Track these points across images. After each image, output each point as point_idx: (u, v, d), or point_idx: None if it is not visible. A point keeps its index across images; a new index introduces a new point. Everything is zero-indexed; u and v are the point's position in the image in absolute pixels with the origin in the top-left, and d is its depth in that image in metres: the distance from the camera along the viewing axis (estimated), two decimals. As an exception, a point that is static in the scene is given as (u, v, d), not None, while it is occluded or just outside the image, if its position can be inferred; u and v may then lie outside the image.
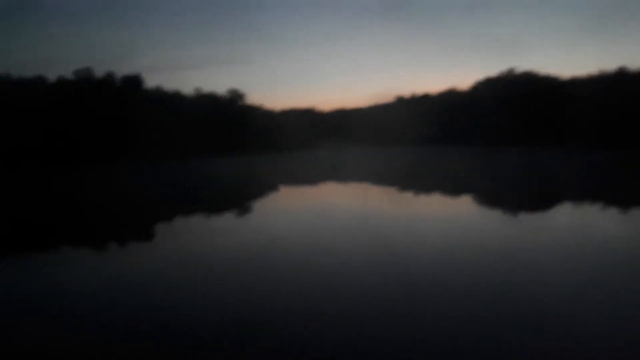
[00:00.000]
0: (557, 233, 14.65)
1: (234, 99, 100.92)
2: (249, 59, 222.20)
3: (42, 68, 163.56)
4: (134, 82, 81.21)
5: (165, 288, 9.92)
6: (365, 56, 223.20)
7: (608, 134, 68.67)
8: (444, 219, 17.80)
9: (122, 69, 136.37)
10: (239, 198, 26.93)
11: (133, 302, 8.99)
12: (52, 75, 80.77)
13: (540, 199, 23.42)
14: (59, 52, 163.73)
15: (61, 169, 58.34)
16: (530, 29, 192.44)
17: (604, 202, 21.73)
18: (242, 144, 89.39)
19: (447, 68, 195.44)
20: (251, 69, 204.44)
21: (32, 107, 62.35)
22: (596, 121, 71.59)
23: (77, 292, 9.68)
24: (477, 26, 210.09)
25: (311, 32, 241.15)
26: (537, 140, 78.81)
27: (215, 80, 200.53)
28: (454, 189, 28.37)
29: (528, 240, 13.61)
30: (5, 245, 15.65)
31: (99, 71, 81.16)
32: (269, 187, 33.22)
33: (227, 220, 19.20)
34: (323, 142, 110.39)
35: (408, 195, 26.36)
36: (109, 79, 77.94)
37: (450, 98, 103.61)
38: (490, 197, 24.96)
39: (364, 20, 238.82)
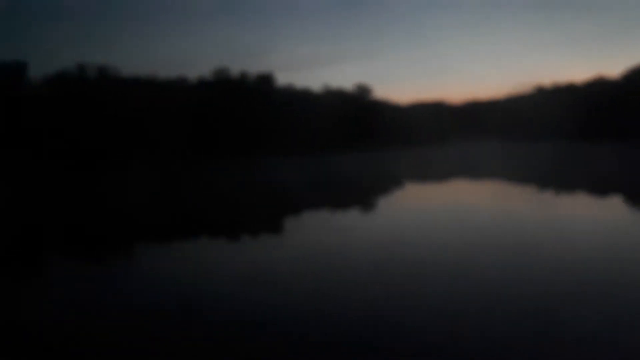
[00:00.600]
0: None
1: (361, 93, 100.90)
2: (375, 53, 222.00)
3: (182, 68, 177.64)
4: (266, 80, 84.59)
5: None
6: (500, 43, 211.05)
7: None
8: (585, 223, 15.99)
9: (255, 68, 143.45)
10: (370, 196, 26.26)
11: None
12: (192, 75, 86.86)
13: None
14: (195, 52, 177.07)
15: (204, 162, 62.44)
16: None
17: None
18: (370, 139, 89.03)
19: (594, 54, 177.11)
20: (378, 63, 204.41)
21: (178, 106, 67.65)
22: None
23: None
24: (627, 6, 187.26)
25: (438, 22, 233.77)
26: None
27: (343, 76, 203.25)
28: (597, 190, 25.43)
29: None
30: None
31: (234, 70, 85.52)
32: (396, 183, 32.27)
33: (368, 219, 18.66)
34: (453, 135, 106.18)
35: (544, 196, 24.00)
36: (243, 77, 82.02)
37: (599, 88, 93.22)
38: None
39: (496, 6, 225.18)
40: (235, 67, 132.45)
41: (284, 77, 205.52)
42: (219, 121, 71.21)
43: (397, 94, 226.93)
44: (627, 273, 9.99)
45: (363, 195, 26.89)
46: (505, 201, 22.56)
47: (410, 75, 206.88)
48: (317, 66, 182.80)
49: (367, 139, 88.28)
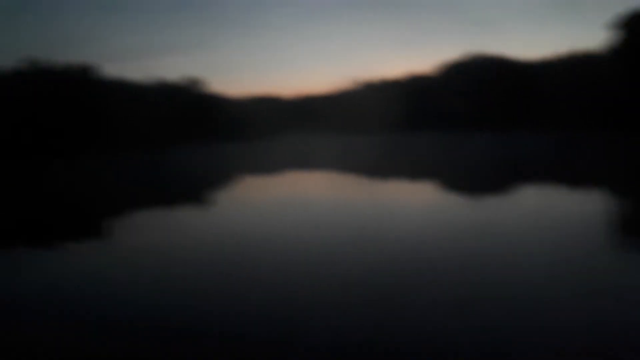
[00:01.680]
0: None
1: (194, 86, 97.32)
2: (209, 45, 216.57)
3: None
4: (87, 71, 76.47)
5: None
6: (328, 40, 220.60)
7: (573, 115, 69.22)
8: (412, 205, 17.49)
9: (77, 58, 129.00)
10: (203, 190, 24.83)
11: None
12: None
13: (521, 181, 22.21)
14: (6, 43, 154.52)
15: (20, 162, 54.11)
16: (494, 11, 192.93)
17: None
18: (205, 134, 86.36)
19: (411, 51, 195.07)
20: (211, 56, 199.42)
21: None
22: (562, 103, 72.07)
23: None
24: (440, 8, 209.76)
25: (274, 15, 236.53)
26: (506, 123, 78.89)
27: (175, 68, 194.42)
28: (421, 175, 27.66)
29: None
30: None
31: (52, 61, 74.84)
32: (231, 177, 31.33)
33: (195, 215, 17.14)
34: (287, 129, 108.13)
35: (374, 183, 25.48)
36: (59, 68, 73.04)
37: (416, 82, 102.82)
38: (455, 181, 24.32)
39: (326, 3, 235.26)
40: (56, 58, 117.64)
41: (113, 69, 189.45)
42: (28, 118, 62.49)
43: (232, 88, 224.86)
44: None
45: (198, 191, 25.22)
46: (338, 190, 23.19)
47: (245, 69, 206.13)
48: (147, 57, 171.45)
49: (201, 134, 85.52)
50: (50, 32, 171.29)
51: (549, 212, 14.98)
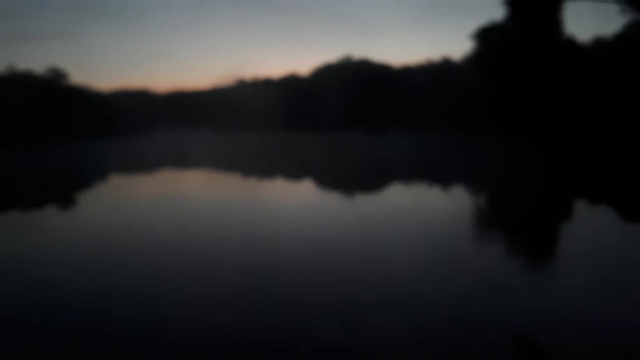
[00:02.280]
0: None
1: (55, 78, 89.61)
2: (75, 33, 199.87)
3: None
4: None
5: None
6: (207, 36, 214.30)
7: (436, 118, 75.20)
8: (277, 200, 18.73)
9: None
10: (71, 190, 23.34)
11: None
12: None
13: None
14: None
15: None
16: (373, 17, 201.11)
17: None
18: (71, 130, 79.89)
19: (290, 52, 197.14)
20: (77, 45, 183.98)
21: None
22: (426, 106, 77.92)
23: None
24: (322, 11, 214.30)
25: (147, 8, 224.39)
26: (377, 124, 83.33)
27: (31, 57, 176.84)
28: (293, 174, 28.85)
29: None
30: None
31: None
32: (101, 176, 29.79)
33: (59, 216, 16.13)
34: (162, 125, 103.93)
35: (245, 181, 26.49)
36: None
37: (293, 83, 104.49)
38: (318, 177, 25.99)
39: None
40: None
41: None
42: None
43: (101, 81, 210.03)
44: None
45: (66, 191, 23.61)
46: (211, 189, 23.42)
47: (116, 61, 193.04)
48: (5, 44, 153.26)
49: (68, 130, 79.07)
50: None
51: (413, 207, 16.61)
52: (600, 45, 66.40)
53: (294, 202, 18.41)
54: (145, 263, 10.01)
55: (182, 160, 40.70)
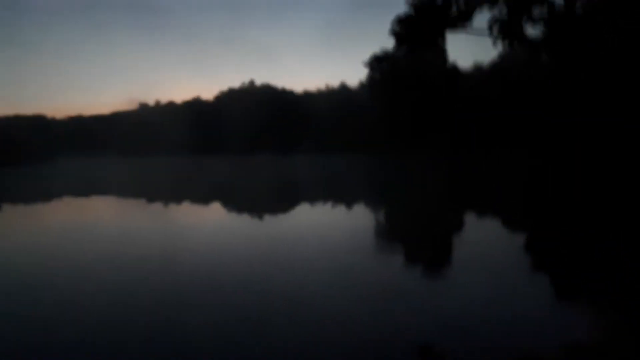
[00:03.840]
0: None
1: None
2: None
3: None
4: None
5: None
6: (104, 60, 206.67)
7: (337, 140, 79.35)
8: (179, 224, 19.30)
9: None
10: None
11: None
12: None
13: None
14: None
15: None
16: (272, 42, 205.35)
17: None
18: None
19: (192, 77, 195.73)
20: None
21: None
22: (327, 129, 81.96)
23: None
24: (227, 39, 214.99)
25: (41, 29, 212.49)
26: (281, 146, 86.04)
27: None
28: (197, 196, 29.65)
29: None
30: None
31: None
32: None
33: None
34: (60, 153, 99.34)
35: (148, 206, 26.50)
36: None
37: (197, 106, 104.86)
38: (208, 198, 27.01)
39: (104, 18, 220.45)
40: None
41: None
42: None
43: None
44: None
45: None
46: (113, 214, 23.96)
47: (4, 84, 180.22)
48: None
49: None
50: None
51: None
52: (479, 71, 74.30)
53: (201, 223, 19.71)
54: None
55: (86, 188, 40.19)
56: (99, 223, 20.45)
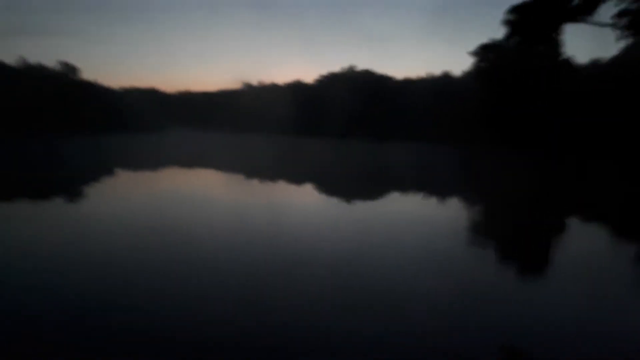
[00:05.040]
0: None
1: (65, 72, 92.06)
2: (83, 29, 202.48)
3: None
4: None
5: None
6: (213, 40, 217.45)
7: (435, 130, 77.85)
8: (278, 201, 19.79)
9: None
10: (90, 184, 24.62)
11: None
12: None
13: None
14: None
15: None
16: (382, 29, 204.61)
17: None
18: (80, 123, 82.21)
19: (296, 59, 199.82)
20: (85, 42, 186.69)
21: None
22: (426, 118, 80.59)
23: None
24: (333, 21, 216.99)
25: (157, 10, 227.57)
26: (379, 133, 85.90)
27: (43, 51, 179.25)
28: (302, 178, 29.78)
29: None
30: None
31: None
32: (109, 172, 30.74)
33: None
34: (169, 124, 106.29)
35: (248, 182, 27.35)
36: None
37: (299, 89, 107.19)
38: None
39: (216, 3, 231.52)
40: None
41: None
42: None
43: (111, 79, 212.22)
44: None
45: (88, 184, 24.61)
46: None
47: (127, 60, 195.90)
48: (18, 37, 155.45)
49: (78, 123, 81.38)
50: None
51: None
52: (596, 67, 69.29)
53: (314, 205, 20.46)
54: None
55: (205, 160, 42.69)
56: (204, 193, 21.96)
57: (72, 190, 21.82)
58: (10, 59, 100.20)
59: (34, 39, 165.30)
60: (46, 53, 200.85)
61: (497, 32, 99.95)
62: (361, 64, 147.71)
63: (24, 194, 20.28)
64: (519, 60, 59.42)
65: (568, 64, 65.23)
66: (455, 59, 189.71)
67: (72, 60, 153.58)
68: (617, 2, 41.78)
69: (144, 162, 37.79)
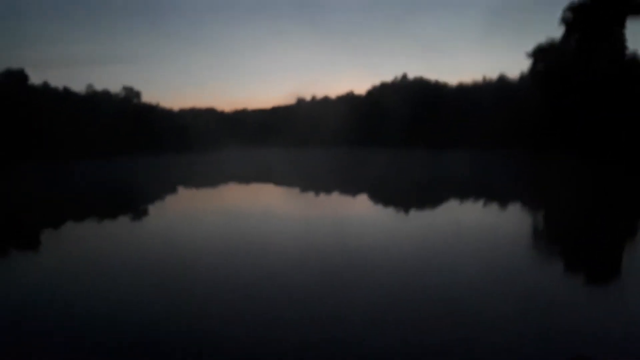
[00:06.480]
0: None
1: (129, 97, 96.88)
2: (142, 56, 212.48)
3: None
4: (16, 76, 74.88)
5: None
6: (268, 58, 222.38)
7: (494, 136, 76.01)
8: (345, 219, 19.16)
9: (19, 64, 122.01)
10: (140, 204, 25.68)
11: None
12: None
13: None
14: None
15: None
16: (436, 36, 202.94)
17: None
18: (143, 144, 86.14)
19: (350, 71, 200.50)
20: (145, 67, 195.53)
21: None
22: (484, 125, 78.86)
23: None
24: (385, 29, 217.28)
25: (209, 31, 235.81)
26: (437, 142, 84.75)
27: (107, 78, 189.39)
28: (358, 189, 29.74)
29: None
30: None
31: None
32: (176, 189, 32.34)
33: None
34: (227, 142, 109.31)
35: (309, 196, 27.53)
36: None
37: (351, 101, 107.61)
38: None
39: (266, 21, 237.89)
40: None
41: (39, 77, 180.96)
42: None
43: (169, 100, 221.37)
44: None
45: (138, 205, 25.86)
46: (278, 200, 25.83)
47: (183, 82, 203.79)
48: (78, 66, 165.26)
49: (141, 144, 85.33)
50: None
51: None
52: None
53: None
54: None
55: (258, 175, 43.79)
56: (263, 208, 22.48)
57: (145, 206, 23.12)
58: (80, 87, 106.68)
59: (100, 67, 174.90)
60: (112, 80, 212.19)
61: (556, 32, 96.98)
62: (415, 72, 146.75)
63: (107, 209, 21.70)
64: (578, 59, 57.21)
65: (634, 61, 61.97)
66: (512, 62, 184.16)
67: (136, 85, 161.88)
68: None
69: (203, 181, 38.97)
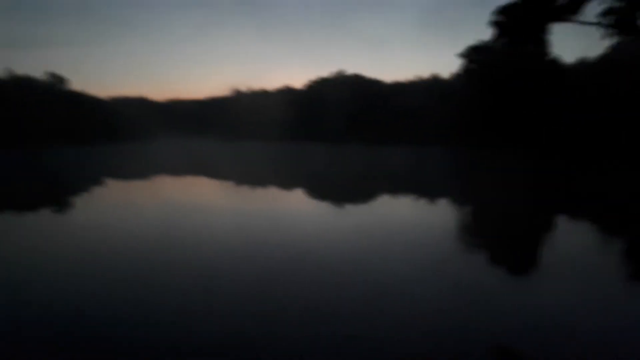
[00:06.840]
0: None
1: (54, 83, 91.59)
2: (70, 41, 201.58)
3: None
4: None
5: None
6: (204, 48, 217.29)
7: (427, 132, 78.12)
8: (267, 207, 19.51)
9: None
10: (68, 192, 24.52)
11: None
12: None
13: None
14: None
15: None
16: (375, 33, 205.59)
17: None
18: (67, 135, 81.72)
19: (284, 65, 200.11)
20: (73, 53, 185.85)
21: None
22: (417, 121, 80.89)
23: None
24: (325, 25, 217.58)
25: (144, 18, 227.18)
26: (370, 137, 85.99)
27: (29, 62, 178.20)
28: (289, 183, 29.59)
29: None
30: None
31: None
32: (100, 182, 30.74)
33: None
34: (159, 132, 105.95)
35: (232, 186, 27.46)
36: None
37: (289, 95, 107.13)
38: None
39: (204, 10, 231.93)
40: None
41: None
42: None
43: (97, 88, 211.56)
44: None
45: (65, 193, 24.67)
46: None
47: (112, 69, 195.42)
48: (6, 50, 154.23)
49: (67, 133, 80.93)
50: None
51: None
52: (583, 66, 69.78)
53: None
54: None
55: (185, 167, 42.57)
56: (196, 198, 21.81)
57: (61, 199, 21.61)
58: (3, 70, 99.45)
59: (21, 51, 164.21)
60: (34, 65, 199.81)
61: (486, 33, 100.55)
62: (352, 68, 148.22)
63: (12, 204, 20.10)
64: (506, 60, 59.78)
65: (555, 63, 65.73)
66: (443, 62, 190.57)
67: (61, 71, 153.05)
68: (602, 1, 42.12)
69: (128, 172, 37.48)
